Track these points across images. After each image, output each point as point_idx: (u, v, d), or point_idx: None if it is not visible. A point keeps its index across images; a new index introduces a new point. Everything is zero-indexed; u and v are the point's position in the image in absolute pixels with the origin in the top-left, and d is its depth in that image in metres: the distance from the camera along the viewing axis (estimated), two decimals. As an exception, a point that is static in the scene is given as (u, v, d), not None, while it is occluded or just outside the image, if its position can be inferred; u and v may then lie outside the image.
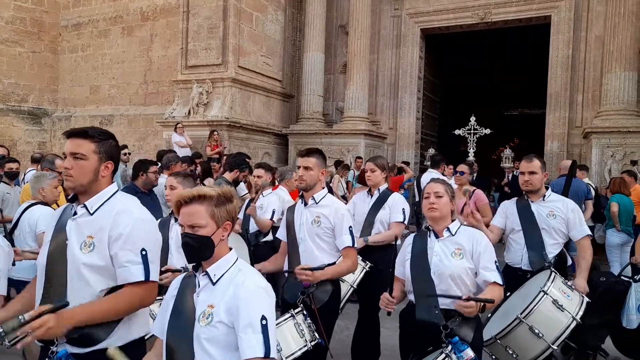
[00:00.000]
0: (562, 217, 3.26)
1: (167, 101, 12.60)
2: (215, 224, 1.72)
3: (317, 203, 2.87)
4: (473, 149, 11.53)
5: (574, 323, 2.60)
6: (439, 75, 14.27)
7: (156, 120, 11.86)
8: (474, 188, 5.18)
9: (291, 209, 3.02)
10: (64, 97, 15.14)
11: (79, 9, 14.65)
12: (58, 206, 3.82)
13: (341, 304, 3.10)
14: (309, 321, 2.55)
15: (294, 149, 11.78)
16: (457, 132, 11.83)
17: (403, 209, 3.77)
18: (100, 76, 14.33)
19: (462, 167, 5.22)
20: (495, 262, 2.42)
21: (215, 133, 9.57)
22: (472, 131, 11.68)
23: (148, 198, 4.36)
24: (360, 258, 3.40)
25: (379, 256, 3.53)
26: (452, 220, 2.54)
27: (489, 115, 15.65)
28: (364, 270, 3.42)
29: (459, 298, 2.31)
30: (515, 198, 3.47)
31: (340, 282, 3.10)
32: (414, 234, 2.66)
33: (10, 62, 14.18)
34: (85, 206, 1.92)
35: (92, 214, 1.90)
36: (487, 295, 2.32)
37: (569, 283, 2.88)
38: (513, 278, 3.22)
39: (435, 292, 2.40)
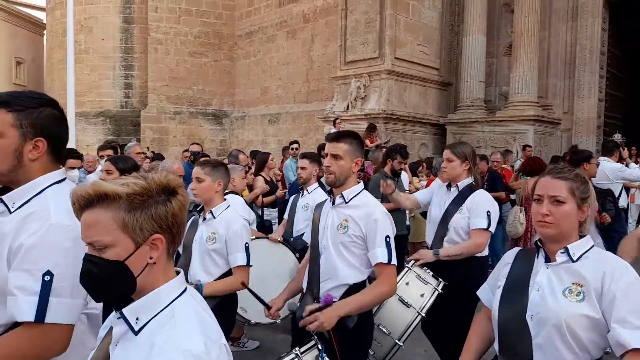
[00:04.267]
0: None
1: (327, 97, 13.27)
2: (132, 240, 1.05)
3: (346, 202, 2.18)
4: (674, 132, 9.62)
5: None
6: (627, 48, 12.21)
7: (317, 116, 12.60)
8: None
9: (319, 207, 2.38)
10: (239, 99, 17.09)
11: (251, 18, 16.32)
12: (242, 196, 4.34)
13: (406, 335, 2.44)
14: (326, 359, 1.93)
15: (452, 139, 11.33)
16: (652, 113, 10.00)
17: (488, 212, 2.84)
18: (268, 78, 15.78)
19: None
20: None
21: (377, 131, 9.72)
22: (673, 111, 9.75)
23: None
24: (431, 273, 2.73)
25: (457, 271, 2.74)
26: (580, 237, 1.60)
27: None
28: (435, 293, 2.61)
29: None
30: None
31: (407, 306, 2.48)
32: (518, 249, 1.82)
33: (197, 71, 16.54)
34: (3, 201, 1.37)
35: (11, 213, 1.35)
36: None
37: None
38: None
39: (529, 349, 1.54)
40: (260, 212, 4.99)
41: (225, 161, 7.31)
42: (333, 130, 10.06)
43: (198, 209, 2.71)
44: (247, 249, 2.56)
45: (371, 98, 10.76)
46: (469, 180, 2.97)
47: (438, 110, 12.07)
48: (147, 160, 6.20)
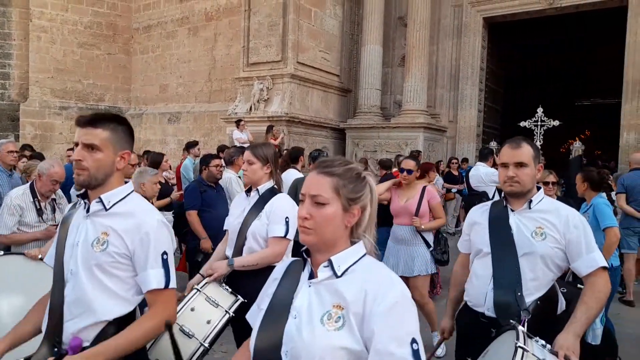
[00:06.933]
0: (555, 238, 2.05)
1: (230, 98, 13.09)
2: None
3: (107, 209, 1.64)
4: (540, 141, 11.02)
5: None
6: (502, 65, 13.73)
7: (220, 116, 12.38)
8: (424, 184, 4.29)
9: (67, 219, 1.75)
10: (136, 96, 16.16)
11: (149, 12, 15.53)
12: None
13: (212, 336, 2.16)
14: None
15: (351, 143, 11.85)
16: (522, 124, 11.34)
17: (286, 218, 2.57)
18: (168, 75, 15.14)
19: (409, 164, 4.08)
20: (414, 341, 1.14)
21: (275, 128, 9.83)
22: (539, 123, 11.16)
23: (214, 191, 4.62)
24: (229, 290, 2.42)
25: (250, 285, 2.25)
26: (353, 243, 1.30)
27: (557, 106, 14.87)
28: (226, 317, 2.28)
29: None
30: (490, 202, 2.31)
31: (189, 336, 2.07)
32: (291, 260, 1.44)
33: (88, 64, 15.34)
34: None
35: None
36: None
37: (551, 348, 1.79)
38: (476, 329, 2.12)
39: None
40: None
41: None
42: (235, 131, 9.96)
43: None
44: None
45: (274, 101, 10.84)
46: (270, 184, 2.73)
47: (338, 115, 12.52)
48: (24, 159, 5.64)
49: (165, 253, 1.63)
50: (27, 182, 4.18)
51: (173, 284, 1.64)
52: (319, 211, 1.24)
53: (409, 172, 4.06)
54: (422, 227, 3.99)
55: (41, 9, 14.49)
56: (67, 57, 14.96)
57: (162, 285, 1.61)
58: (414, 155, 6.39)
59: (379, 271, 1.25)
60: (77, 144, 1.62)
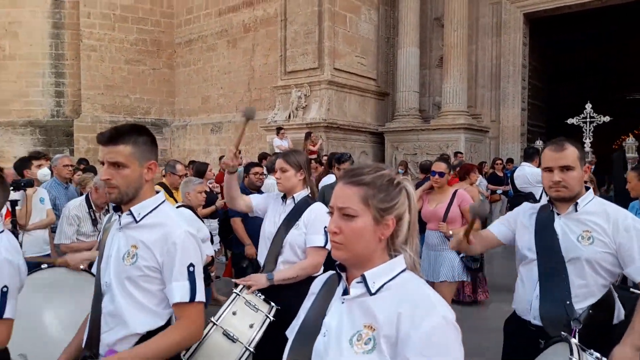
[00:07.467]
0: (603, 242, 1.92)
1: (269, 106, 13.34)
2: None
3: (137, 222, 1.65)
4: (589, 139, 10.57)
5: None
6: (545, 61, 13.29)
7: (260, 125, 12.63)
8: (456, 188, 4.11)
9: (107, 229, 1.79)
10: (180, 108, 16.75)
11: (190, 26, 16.10)
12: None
13: (257, 340, 2.13)
14: None
15: (390, 147, 11.79)
16: (570, 121, 10.91)
17: (325, 227, 2.41)
18: (210, 87, 15.62)
19: (440, 166, 3.95)
20: None
21: (313, 135, 9.93)
22: (587, 120, 10.70)
23: (256, 198, 4.73)
24: (262, 297, 2.34)
25: (292, 294, 2.06)
26: (390, 257, 1.18)
27: (597, 100, 14.19)
28: (267, 322, 2.21)
29: None
30: (539, 205, 2.17)
31: (233, 341, 2.04)
32: (331, 274, 1.33)
33: (135, 79, 16.07)
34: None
35: None
36: None
37: None
38: (523, 338, 2.04)
39: None
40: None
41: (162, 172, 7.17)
42: (276, 139, 10.13)
43: None
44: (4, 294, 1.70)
45: (312, 107, 10.96)
46: (305, 192, 2.65)
47: (376, 119, 12.50)
48: (79, 172, 5.98)
49: (192, 265, 1.59)
50: (82, 193, 4.44)
51: (200, 297, 1.60)
52: (348, 225, 1.13)
53: (441, 174, 3.90)
54: (450, 232, 3.80)
55: (90, 30, 15.33)
56: (115, 74, 15.73)
57: (186, 299, 1.57)
58: (445, 157, 6.21)
59: (418, 290, 1.11)
60: (102, 163, 1.63)
